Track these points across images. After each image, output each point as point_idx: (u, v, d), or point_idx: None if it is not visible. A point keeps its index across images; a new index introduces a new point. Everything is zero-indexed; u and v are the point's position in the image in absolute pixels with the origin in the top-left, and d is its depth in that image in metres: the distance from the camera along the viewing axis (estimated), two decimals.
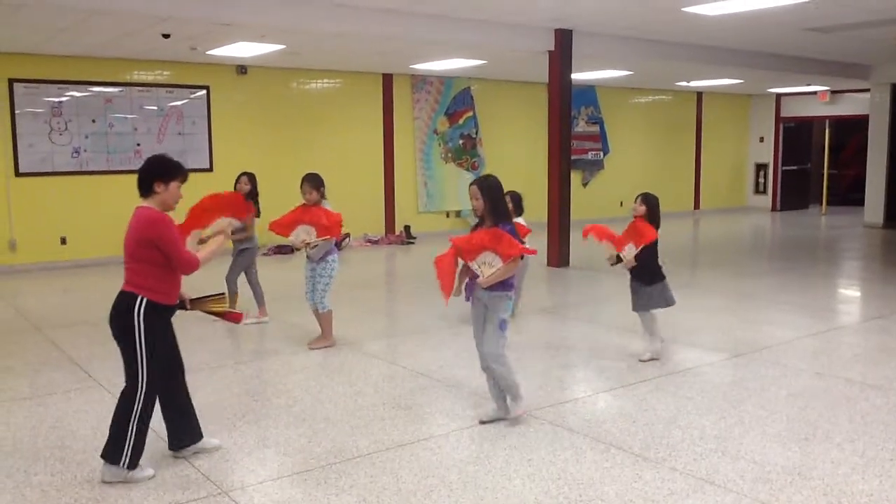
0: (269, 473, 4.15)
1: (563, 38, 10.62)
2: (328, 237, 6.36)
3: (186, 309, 4.33)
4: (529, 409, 5.01)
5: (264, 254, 12.29)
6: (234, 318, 4.66)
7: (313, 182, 6.47)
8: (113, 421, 4.02)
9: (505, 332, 4.78)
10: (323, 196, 6.50)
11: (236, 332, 7.37)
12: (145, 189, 4.06)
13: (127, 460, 3.96)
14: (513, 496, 3.83)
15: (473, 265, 4.68)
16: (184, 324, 7.27)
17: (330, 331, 6.74)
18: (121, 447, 3.96)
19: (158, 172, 4.06)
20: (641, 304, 6.23)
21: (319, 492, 3.88)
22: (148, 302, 3.96)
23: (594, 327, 7.56)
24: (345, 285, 9.78)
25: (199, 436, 4.35)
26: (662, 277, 6.23)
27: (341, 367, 6.11)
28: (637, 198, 6.20)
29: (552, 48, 10.68)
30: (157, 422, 4.19)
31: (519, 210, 7.30)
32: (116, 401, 4.05)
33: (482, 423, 4.82)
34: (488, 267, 4.64)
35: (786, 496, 3.81)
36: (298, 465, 4.22)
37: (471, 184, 4.82)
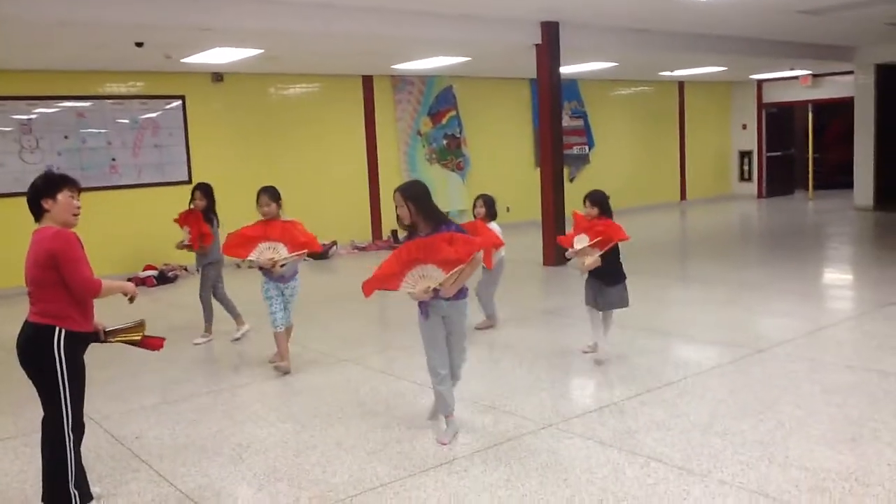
0: None
1: (551, 31, 10.32)
2: (302, 252, 5.90)
3: (101, 341, 3.89)
4: (556, 419, 4.73)
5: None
6: (153, 343, 4.05)
7: (272, 194, 5.98)
8: (47, 464, 3.69)
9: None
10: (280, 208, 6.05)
11: (226, 354, 7.00)
12: (34, 209, 3.70)
13: (77, 498, 3.68)
14: None
15: (405, 287, 4.38)
16: (175, 349, 6.95)
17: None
18: (65, 487, 3.66)
19: (41, 190, 3.68)
20: (605, 302, 5.96)
21: None
22: (67, 332, 3.62)
23: None
24: (337, 297, 9.43)
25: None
26: (624, 277, 6.01)
27: (347, 386, 5.75)
28: (585, 199, 5.96)
29: (539, 41, 10.39)
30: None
31: (492, 214, 6.97)
32: (41, 443, 3.72)
33: (443, 444, 4.48)
34: (428, 280, 4.33)
35: None
36: (317, 499, 3.86)
37: (394, 190, 4.50)
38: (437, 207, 4.51)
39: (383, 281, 4.44)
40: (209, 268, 7.35)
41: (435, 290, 4.34)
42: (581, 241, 5.84)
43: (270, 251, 5.83)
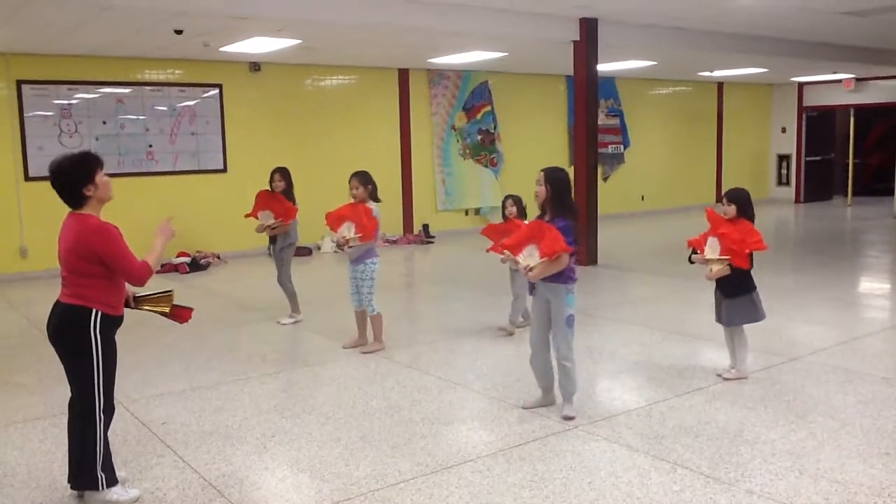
0: (307, 502, 3.79)
1: (589, 28, 10.22)
2: (360, 237, 6.12)
3: (130, 307, 3.91)
4: (582, 420, 4.68)
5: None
6: (182, 314, 4.05)
7: (361, 178, 6.31)
8: (74, 446, 3.71)
9: (572, 328, 4.75)
10: (371, 195, 6.34)
11: (254, 342, 7.02)
12: (76, 199, 3.64)
13: (104, 481, 3.70)
14: None
15: (520, 258, 4.71)
16: (204, 336, 7.00)
17: (381, 334, 6.55)
18: (92, 470, 3.69)
19: (82, 177, 3.62)
20: (724, 317, 5.50)
21: None
22: (103, 316, 3.63)
23: (634, 330, 7.18)
24: None
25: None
26: (751, 288, 5.42)
27: (373, 379, 5.75)
28: (723, 196, 5.46)
29: (577, 38, 10.28)
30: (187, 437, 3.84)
31: (523, 213, 6.85)
32: (68, 424, 3.75)
33: (525, 408, 4.94)
34: (528, 258, 4.65)
35: None
36: (338, 492, 3.86)
37: (540, 169, 4.80)
38: (570, 201, 4.80)
39: (510, 248, 4.82)
40: (288, 249, 7.45)
41: (529, 269, 4.63)
42: (712, 248, 5.31)
43: (346, 230, 6.16)
